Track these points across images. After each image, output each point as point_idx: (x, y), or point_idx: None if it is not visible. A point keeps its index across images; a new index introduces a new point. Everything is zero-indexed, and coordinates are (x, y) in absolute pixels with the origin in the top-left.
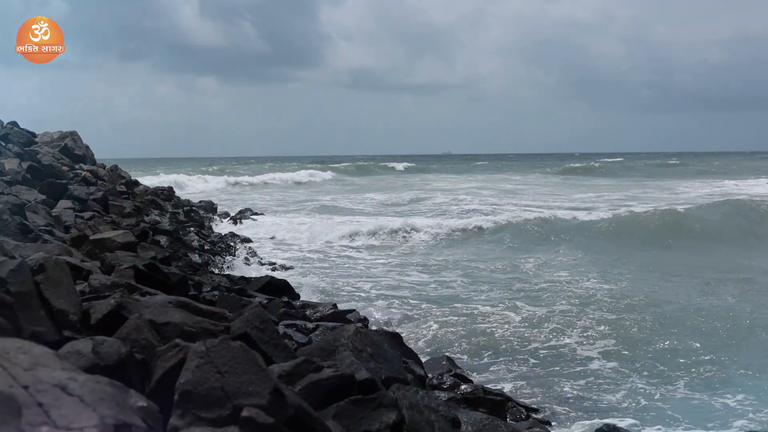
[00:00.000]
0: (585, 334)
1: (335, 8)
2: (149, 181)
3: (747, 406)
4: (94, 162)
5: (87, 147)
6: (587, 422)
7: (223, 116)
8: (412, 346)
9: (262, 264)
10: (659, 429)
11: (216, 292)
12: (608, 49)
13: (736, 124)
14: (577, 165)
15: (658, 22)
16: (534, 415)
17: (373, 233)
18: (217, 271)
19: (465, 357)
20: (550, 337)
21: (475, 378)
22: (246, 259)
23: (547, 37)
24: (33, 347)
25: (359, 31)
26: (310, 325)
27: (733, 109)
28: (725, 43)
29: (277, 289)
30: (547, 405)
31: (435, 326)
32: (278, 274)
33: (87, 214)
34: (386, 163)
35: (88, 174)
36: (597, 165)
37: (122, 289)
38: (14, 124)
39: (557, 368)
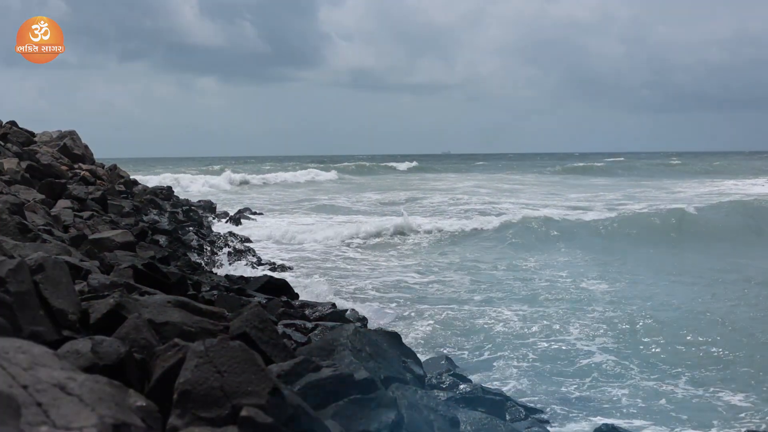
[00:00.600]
0: (585, 334)
1: (335, 8)
2: (149, 181)
3: (750, 406)
4: (93, 161)
5: (86, 146)
6: (587, 422)
7: (223, 116)
8: (411, 346)
9: (261, 263)
10: (660, 429)
11: (215, 292)
12: (608, 49)
13: (736, 124)
14: (577, 165)
15: (658, 22)
16: (533, 415)
17: (372, 233)
18: (216, 270)
19: (464, 356)
20: (550, 336)
21: (474, 377)
22: (244, 258)
23: (547, 37)
24: (32, 347)
25: (359, 31)
26: (309, 325)
27: (733, 109)
28: (725, 43)
29: (276, 288)
30: (546, 404)
31: (434, 325)
32: (277, 274)
33: (86, 214)
34: (387, 163)
35: (87, 173)
36: (599, 165)
37: (121, 288)
38: (13, 123)
39: (557, 368)
